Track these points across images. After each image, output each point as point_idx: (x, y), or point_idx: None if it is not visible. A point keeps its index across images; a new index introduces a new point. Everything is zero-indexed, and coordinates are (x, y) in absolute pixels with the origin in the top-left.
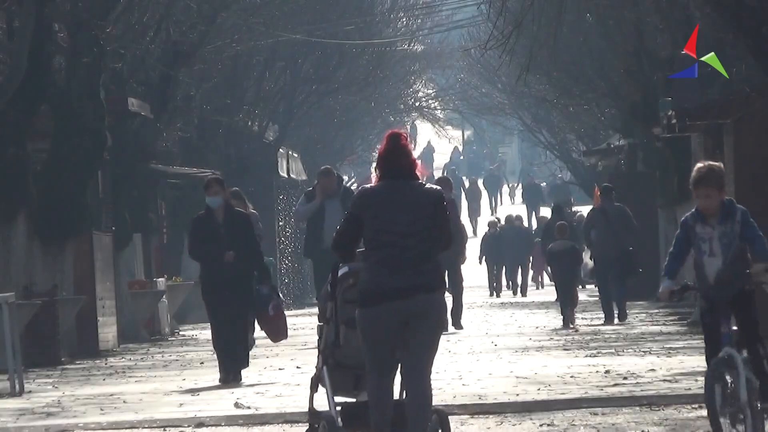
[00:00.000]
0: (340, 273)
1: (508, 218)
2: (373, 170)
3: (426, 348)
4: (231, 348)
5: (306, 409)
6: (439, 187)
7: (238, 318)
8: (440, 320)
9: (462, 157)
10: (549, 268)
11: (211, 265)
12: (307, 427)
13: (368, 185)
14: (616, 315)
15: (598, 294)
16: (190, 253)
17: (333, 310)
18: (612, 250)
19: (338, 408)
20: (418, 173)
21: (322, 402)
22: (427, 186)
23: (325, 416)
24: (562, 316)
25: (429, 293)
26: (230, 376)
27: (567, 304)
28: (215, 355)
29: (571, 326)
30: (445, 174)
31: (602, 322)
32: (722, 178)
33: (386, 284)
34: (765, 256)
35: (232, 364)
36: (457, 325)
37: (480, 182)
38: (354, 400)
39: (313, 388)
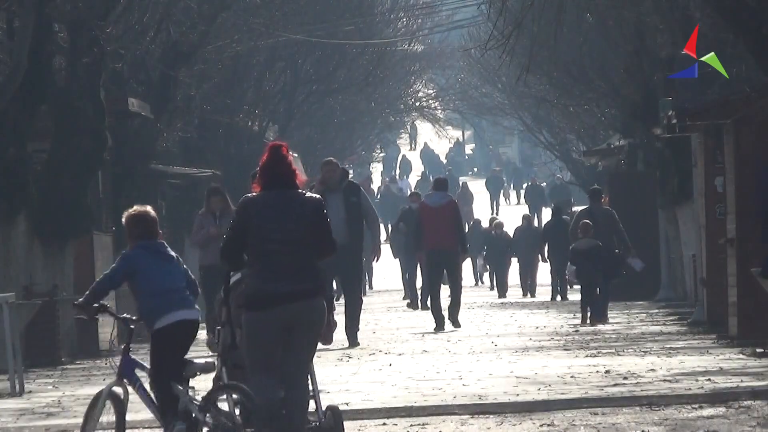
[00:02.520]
0: (232, 280)
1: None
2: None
3: (305, 350)
4: None
5: None
6: (318, 196)
7: None
8: (319, 325)
9: (466, 156)
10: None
11: None
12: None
13: (250, 195)
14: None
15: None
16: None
17: (227, 315)
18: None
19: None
20: (298, 183)
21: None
22: (307, 195)
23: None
24: (581, 314)
25: (309, 299)
26: None
27: (589, 302)
28: None
29: (596, 323)
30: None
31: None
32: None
33: (270, 290)
34: None
35: None
36: (455, 323)
37: (471, 185)
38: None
39: None
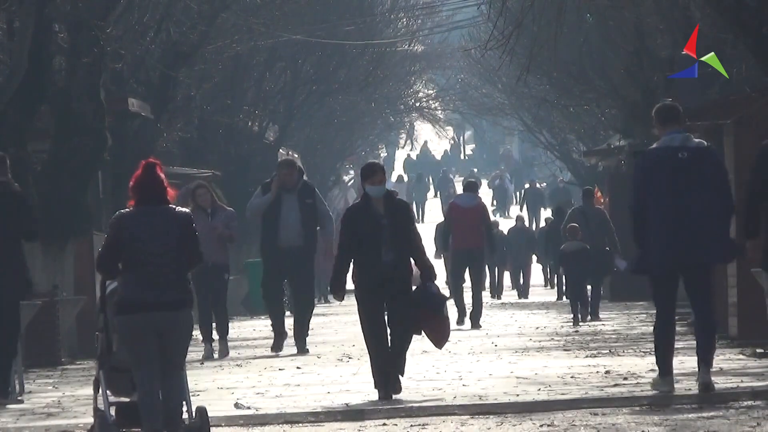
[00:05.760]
0: (108, 288)
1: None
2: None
3: (174, 357)
4: (394, 357)
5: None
6: (188, 210)
7: (401, 322)
8: (186, 335)
9: (466, 156)
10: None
11: (369, 263)
12: (91, 425)
13: (124, 210)
14: (588, 313)
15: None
16: (340, 249)
17: (104, 321)
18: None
19: (113, 407)
20: (169, 198)
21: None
22: (177, 210)
23: (99, 414)
24: (572, 315)
25: (176, 310)
26: (389, 392)
27: (577, 303)
28: (373, 367)
29: (582, 324)
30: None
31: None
32: None
33: (139, 297)
34: None
35: (393, 378)
36: (476, 324)
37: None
38: (128, 399)
39: (95, 390)
